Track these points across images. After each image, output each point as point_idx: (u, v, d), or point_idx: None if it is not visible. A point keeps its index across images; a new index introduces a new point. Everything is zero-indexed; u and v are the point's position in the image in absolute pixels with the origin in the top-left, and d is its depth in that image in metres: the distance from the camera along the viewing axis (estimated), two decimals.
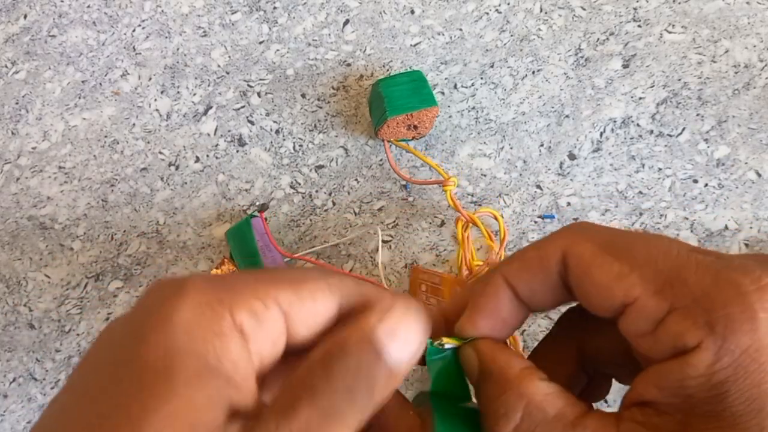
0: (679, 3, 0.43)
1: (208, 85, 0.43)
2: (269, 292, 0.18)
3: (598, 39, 0.42)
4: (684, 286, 0.19)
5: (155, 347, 0.16)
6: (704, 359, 0.18)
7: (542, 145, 0.40)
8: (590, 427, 0.19)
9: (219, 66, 0.43)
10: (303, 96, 0.42)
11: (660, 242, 0.20)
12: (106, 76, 0.44)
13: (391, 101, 0.37)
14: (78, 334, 0.38)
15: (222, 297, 0.17)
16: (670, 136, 0.39)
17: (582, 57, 0.42)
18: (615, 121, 0.40)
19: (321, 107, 0.42)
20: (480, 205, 0.38)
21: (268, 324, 0.18)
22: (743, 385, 0.18)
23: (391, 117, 0.37)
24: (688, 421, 0.18)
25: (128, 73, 0.44)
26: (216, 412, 0.16)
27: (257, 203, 0.39)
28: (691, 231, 0.37)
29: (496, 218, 0.36)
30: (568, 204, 0.38)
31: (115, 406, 0.16)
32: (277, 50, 0.43)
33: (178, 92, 0.43)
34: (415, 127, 0.39)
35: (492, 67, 0.42)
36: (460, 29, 0.43)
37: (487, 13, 0.44)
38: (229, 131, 0.41)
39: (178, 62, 0.44)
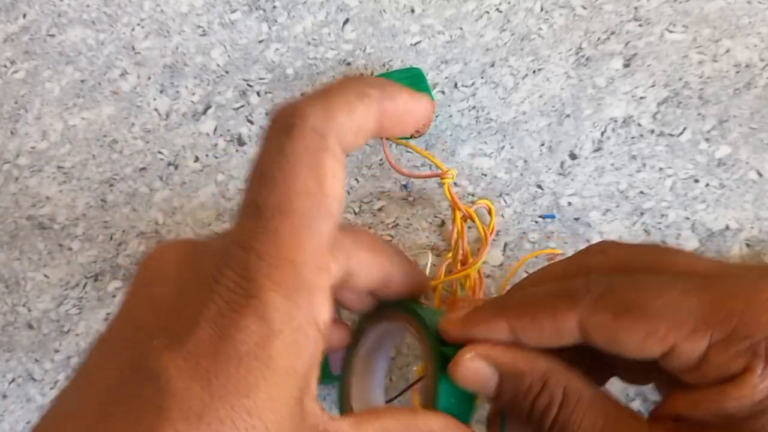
0: (680, 2, 0.43)
1: (208, 85, 0.43)
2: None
3: (599, 38, 0.42)
4: (716, 318, 0.19)
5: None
6: (750, 381, 0.19)
7: (543, 145, 0.40)
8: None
9: (218, 65, 0.43)
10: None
11: (668, 279, 0.21)
12: (105, 75, 0.43)
13: None
14: (77, 335, 0.37)
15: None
16: (671, 135, 0.39)
17: (583, 56, 0.42)
18: (616, 121, 0.40)
19: None
20: None
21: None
22: None
23: None
24: None
25: (127, 73, 0.43)
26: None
27: None
28: (692, 231, 0.37)
29: (489, 211, 0.36)
30: (569, 204, 0.38)
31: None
32: (277, 49, 0.43)
33: (177, 92, 0.43)
34: None
35: (492, 66, 0.42)
36: (461, 28, 0.43)
37: (488, 12, 0.43)
38: (228, 131, 0.41)
39: (177, 61, 0.43)
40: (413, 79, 0.38)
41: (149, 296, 0.17)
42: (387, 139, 0.39)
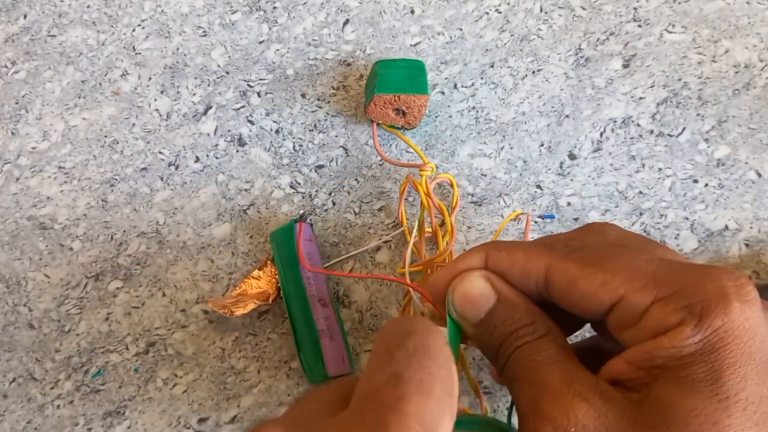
0: (680, 3, 0.43)
1: (208, 85, 0.43)
2: None
3: (598, 39, 0.42)
4: (666, 281, 0.21)
5: None
6: (681, 334, 0.20)
7: (542, 145, 0.40)
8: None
9: (219, 66, 0.43)
10: (303, 96, 0.42)
11: (645, 251, 0.23)
12: (105, 75, 0.44)
13: (383, 80, 0.37)
14: (78, 335, 0.38)
15: None
16: (671, 136, 0.39)
17: (582, 57, 0.42)
18: (615, 121, 0.40)
19: (321, 107, 0.42)
20: (480, 205, 0.38)
21: None
22: (708, 358, 0.20)
23: (377, 94, 0.37)
24: (652, 386, 0.21)
25: (128, 73, 0.44)
26: None
27: (300, 212, 0.39)
28: (692, 231, 0.37)
29: (452, 184, 0.37)
30: (569, 204, 0.38)
31: None
32: (277, 50, 0.43)
33: (178, 92, 0.43)
34: (404, 113, 0.39)
35: (492, 66, 0.42)
36: (460, 29, 0.43)
37: (487, 13, 0.44)
38: (228, 131, 0.41)
39: (177, 62, 0.44)
40: (414, 71, 0.38)
41: None
42: (378, 124, 0.39)
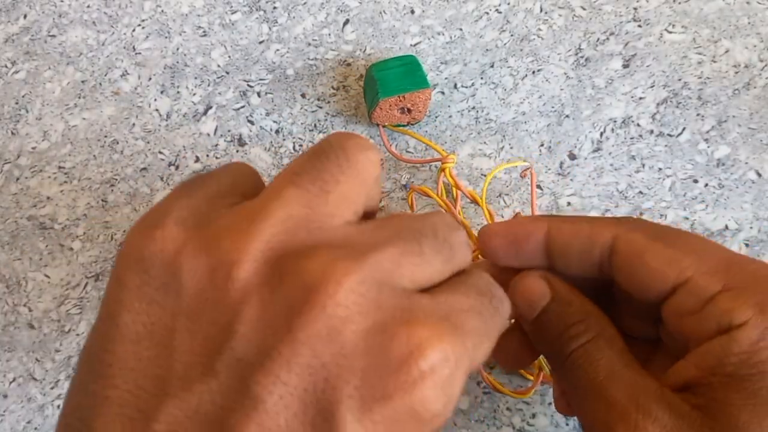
0: (680, 3, 0.43)
1: (208, 85, 0.43)
2: None
3: (598, 39, 0.42)
4: (739, 271, 0.20)
5: None
6: (750, 336, 0.19)
7: (542, 145, 0.40)
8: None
9: (219, 66, 0.43)
10: (303, 96, 0.42)
11: (722, 246, 0.22)
12: (105, 76, 0.44)
13: (384, 84, 0.37)
14: (78, 334, 0.38)
15: None
16: (671, 135, 0.39)
17: (582, 57, 0.42)
18: (615, 121, 0.40)
19: (321, 107, 0.42)
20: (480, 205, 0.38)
21: None
22: None
23: (383, 99, 0.37)
24: (725, 399, 0.19)
25: (128, 73, 0.44)
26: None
27: None
28: (691, 231, 0.37)
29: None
30: (569, 204, 0.38)
31: None
32: (277, 50, 0.43)
33: (178, 92, 0.43)
34: (409, 110, 0.39)
35: (492, 67, 0.42)
36: (460, 29, 0.43)
37: (487, 13, 0.44)
38: (229, 131, 0.41)
39: (177, 62, 0.44)
40: (409, 67, 0.38)
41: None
42: (384, 126, 0.39)
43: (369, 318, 0.16)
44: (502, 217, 0.38)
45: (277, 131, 0.41)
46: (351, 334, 0.16)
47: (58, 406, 0.36)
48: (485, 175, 0.39)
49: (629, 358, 0.22)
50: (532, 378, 0.33)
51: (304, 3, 0.45)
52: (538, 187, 0.39)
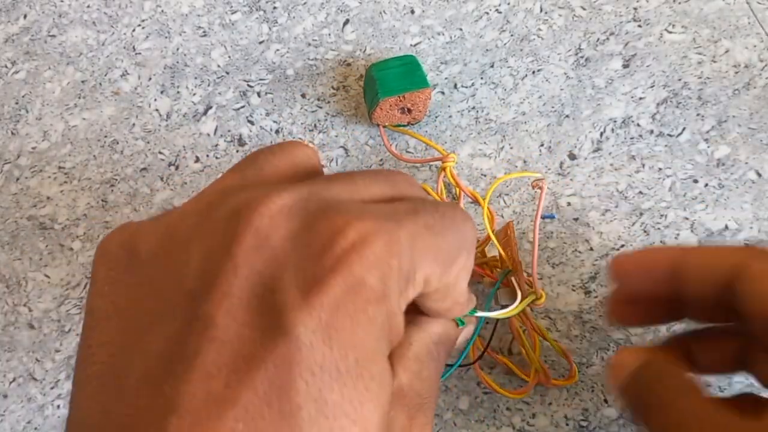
0: (680, 3, 0.43)
1: (208, 85, 0.43)
2: None
3: (598, 39, 0.42)
4: None
5: None
6: None
7: (542, 145, 0.40)
8: None
9: (219, 66, 0.43)
10: (303, 96, 0.42)
11: None
12: (105, 76, 0.44)
13: (383, 84, 0.37)
14: (78, 334, 0.38)
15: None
16: (671, 136, 0.39)
17: (582, 57, 0.42)
18: (615, 121, 0.40)
19: (321, 107, 0.42)
20: (480, 205, 0.38)
21: None
22: None
23: (383, 99, 0.37)
24: None
25: (128, 73, 0.44)
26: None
27: None
28: (692, 231, 0.37)
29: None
30: (569, 204, 0.38)
31: None
32: (277, 50, 0.43)
33: (178, 92, 0.43)
34: (409, 110, 0.39)
35: (492, 67, 0.42)
36: (460, 29, 0.43)
37: (487, 13, 0.44)
38: (229, 131, 0.41)
39: (177, 62, 0.44)
40: (409, 67, 0.38)
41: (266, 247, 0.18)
42: (384, 126, 0.39)
43: (295, 221, 0.17)
44: (503, 217, 0.38)
45: (277, 131, 0.41)
46: (279, 239, 0.17)
47: (58, 406, 0.36)
48: (485, 175, 0.39)
49: (716, 402, 0.23)
50: (528, 379, 0.33)
51: (304, 3, 0.45)
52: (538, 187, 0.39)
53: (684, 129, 0.40)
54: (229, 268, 0.17)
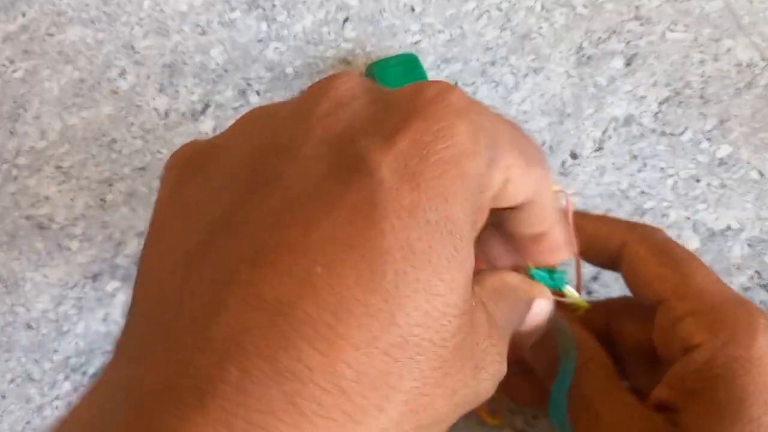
0: (681, 2, 0.43)
1: (207, 84, 0.43)
2: None
3: (599, 37, 0.42)
4: (706, 299, 0.23)
5: None
6: (702, 355, 0.22)
7: (544, 144, 0.39)
8: None
9: (217, 64, 0.43)
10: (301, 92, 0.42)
11: (709, 272, 0.25)
12: (104, 74, 0.43)
13: (384, 83, 0.37)
14: (76, 335, 0.37)
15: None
16: (673, 135, 0.39)
17: (584, 55, 0.42)
18: (617, 120, 0.40)
19: None
20: None
21: None
22: (731, 384, 0.21)
23: None
24: (689, 412, 0.22)
25: (126, 72, 0.43)
26: None
27: None
28: (693, 231, 0.37)
29: None
30: None
31: None
32: (276, 48, 0.43)
33: (177, 91, 0.43)
34: None
35: (493, 65, 0.42)
36: (461, 27, 0.43)
37: (488, 11, 0.43)
38: None
39: (176, 61, 0.43)
40: (410, 66, 0.38)
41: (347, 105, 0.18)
42: None
43: (373, 92, 0.18)
44: None
45: None
46: (358, 104, 0.17)
47: (57, 407, 0.36)
48: None
49: (619, 383, 0.24)
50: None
51: (304, 1, 0.44)
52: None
53: (686, 128, 0.39)
54: (301, 131, 0.17)
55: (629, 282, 0.26)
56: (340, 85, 0.17)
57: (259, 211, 0.15)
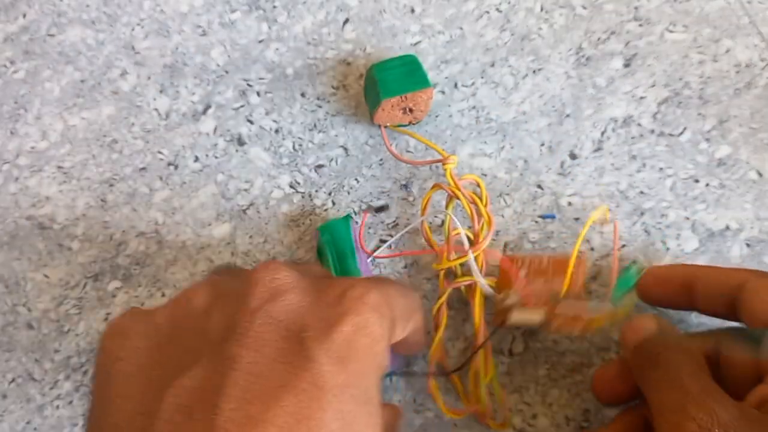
0: (681, 2, 0.43)
1: (207, 85, 0.43)
2: None
3: (599, 38, 0.42)
4: None
5: None
6: None
7: (543, 145, 0.40)
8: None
9: (218, 65, 0.43)
10: (302, 95, 0.42)
11: None
12: (104, 75, 0.43)
13: (384, 84, 0.37)
14: (77, 335, 0.37)
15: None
16: (672, 135, 0.39)
17: (583, 56, 0.42)
18: (616, 121, 0.40)
19: (321, 106, 0.42)
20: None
21: None
22: None
23: (384, 99, 0.37)
24: None
25: (127, 73, 0.43)
26: None
27: (369, 205, 0.39)
28: (692, 231, 0.37)
29: (478, 184, 0.36)
30: (569, 204, 0.38)
31: None
32: (277, 49, 0.43)
33: (177, 91, 0.43)
34: (411, 110, 0.38)
35: (493, 66, 0.42)
36: (461, 28, 0.43)
37: (488, 12, 0.43)
38: (228, 130, 0.41)
39: (177, 61, 0.43)
40: (410, 67, 0.38)
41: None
42: (385, 127, 0.39)
43: (304, 282, 0.23)
44: (503, 217, 0.38)
45: (276, 131, 0.41)
46: (293, 296, 0.22)
47: (57, 407, 0.36)
48: (486, 175, 0.39)
49: (708, 373, 0.26)
50: (466, 405, 0.33)
51: (304, 2, 0.44)
52: (539, 187, 0.39)
53: (685, 128, 0.39)
54: (247, 317, 0.21)
55: (746, 311, 0.27)
56: (274, 275, 0.22)
57: (229, 387, 0.19)
